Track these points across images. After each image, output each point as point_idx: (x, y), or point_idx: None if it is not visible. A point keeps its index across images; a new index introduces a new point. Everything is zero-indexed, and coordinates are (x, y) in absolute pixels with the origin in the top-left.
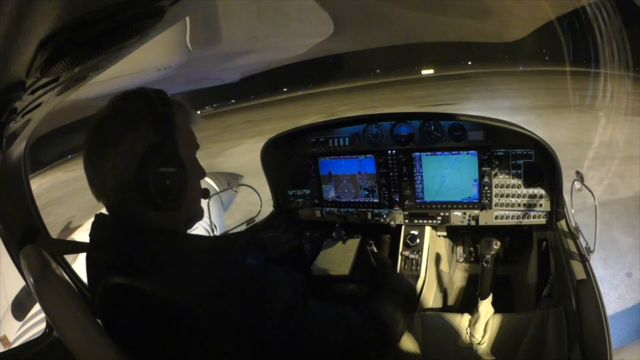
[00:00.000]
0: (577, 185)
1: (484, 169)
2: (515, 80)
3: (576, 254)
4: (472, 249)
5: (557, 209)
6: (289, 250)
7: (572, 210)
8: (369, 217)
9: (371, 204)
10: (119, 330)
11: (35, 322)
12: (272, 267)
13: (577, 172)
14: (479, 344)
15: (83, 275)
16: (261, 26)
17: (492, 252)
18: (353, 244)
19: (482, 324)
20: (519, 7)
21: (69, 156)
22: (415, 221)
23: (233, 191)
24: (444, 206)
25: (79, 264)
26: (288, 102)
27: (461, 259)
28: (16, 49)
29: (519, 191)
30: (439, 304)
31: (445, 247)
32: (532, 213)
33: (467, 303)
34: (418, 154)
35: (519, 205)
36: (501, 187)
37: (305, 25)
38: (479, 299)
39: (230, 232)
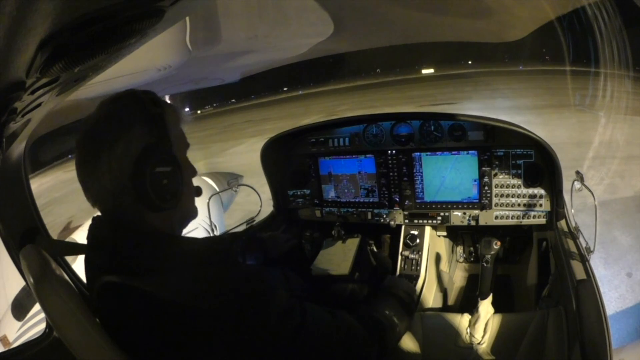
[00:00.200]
0: (577, 185)
1: (484, 169)
2: (515, 79)
3: (576, 254)
4: (472, 249)
5: (557, 209)
6: (288, 249)
7: (572, 210)
8: (369, 217)
9: (371, 204)
10: (118, 330)
11: (35, 322)
12: (269, 269)
13: (577, 172)
14: (479, 344)
15: (83, 276)
16: (261, 26)
17: (492, 252)
18: (353, 243)
19: (482, 324)
20: (519, 7)
21: (69, 156)
22: (415, 221)
23: (233, 191)
24: (444, 206)
25: (79, 264)
26: (288, 102)
27: (461, 259)
28: (16, 49)
29: (519, 191)
30: (439, 304)
31: (445, 247)
32: (532, 213)
33: (467, 303)
34: (418, 153)
35: (519, 205)
36: (501, 187)
37: (305, 25)
38: (479, 299)
39: (230, 232)
